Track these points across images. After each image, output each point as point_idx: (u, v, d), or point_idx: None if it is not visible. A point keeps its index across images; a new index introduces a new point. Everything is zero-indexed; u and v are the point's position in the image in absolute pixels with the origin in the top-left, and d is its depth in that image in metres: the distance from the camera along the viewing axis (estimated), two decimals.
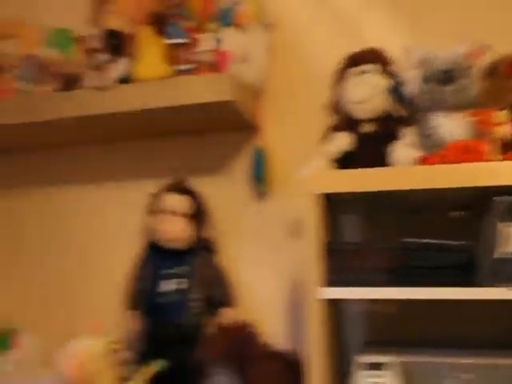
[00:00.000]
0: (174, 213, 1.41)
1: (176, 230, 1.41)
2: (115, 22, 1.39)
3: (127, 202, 1.60)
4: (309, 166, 1.16)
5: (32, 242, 1.68)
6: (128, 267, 1.45)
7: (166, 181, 1.47)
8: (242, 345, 1.26)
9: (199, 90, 1.30)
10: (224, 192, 1.52)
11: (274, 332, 1.42)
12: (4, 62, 1.50)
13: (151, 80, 1.34)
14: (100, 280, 1.60)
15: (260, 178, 1.46)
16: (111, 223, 1.62)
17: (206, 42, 1.32)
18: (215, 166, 1.54)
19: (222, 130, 1.50)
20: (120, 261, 1.54)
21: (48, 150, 1.67)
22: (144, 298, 1.40)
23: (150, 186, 1.49)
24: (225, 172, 1.53)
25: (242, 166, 1.51)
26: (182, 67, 1.34)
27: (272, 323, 1.44)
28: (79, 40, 1.43)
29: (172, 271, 1.40)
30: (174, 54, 1.35)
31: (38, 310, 1.64)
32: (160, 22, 1.37)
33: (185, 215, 1.41)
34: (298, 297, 1.43)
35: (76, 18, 1.58)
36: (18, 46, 1.51)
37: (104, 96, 1.36)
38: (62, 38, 1.51)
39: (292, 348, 1.37)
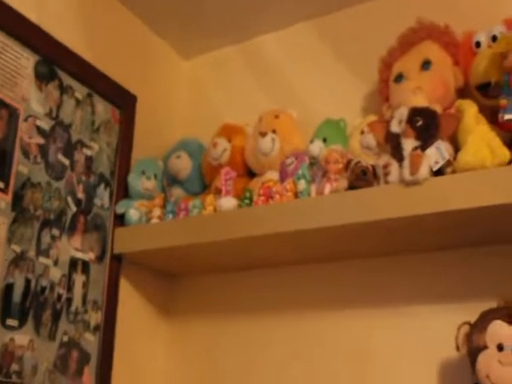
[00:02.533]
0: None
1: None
2: (419, 99, 1.09)
3: (417, 329, 1.24)
4: None
5: (279, 363, 1.38)
6: None
7: (485, 305, 1.09)
8: None
9: None
10: None
11: None
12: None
13: (479, 169, 1.00)
14: None
15: None
16: (392, 356, 1.26)
17: None
18: None
19: None
20: None
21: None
22: None
23: (464, 312, 1.13)
24: None
25: None
26: None
27: None
28: (372, 127, 1.14)
29: None
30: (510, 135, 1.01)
31: None
32: (485, 95, 1.05)
33: None
34: None
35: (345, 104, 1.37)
36: (283, 143, 1.29)
37: (414, 192, 1.04)
38: (335, 129, 1.27)
39: None
